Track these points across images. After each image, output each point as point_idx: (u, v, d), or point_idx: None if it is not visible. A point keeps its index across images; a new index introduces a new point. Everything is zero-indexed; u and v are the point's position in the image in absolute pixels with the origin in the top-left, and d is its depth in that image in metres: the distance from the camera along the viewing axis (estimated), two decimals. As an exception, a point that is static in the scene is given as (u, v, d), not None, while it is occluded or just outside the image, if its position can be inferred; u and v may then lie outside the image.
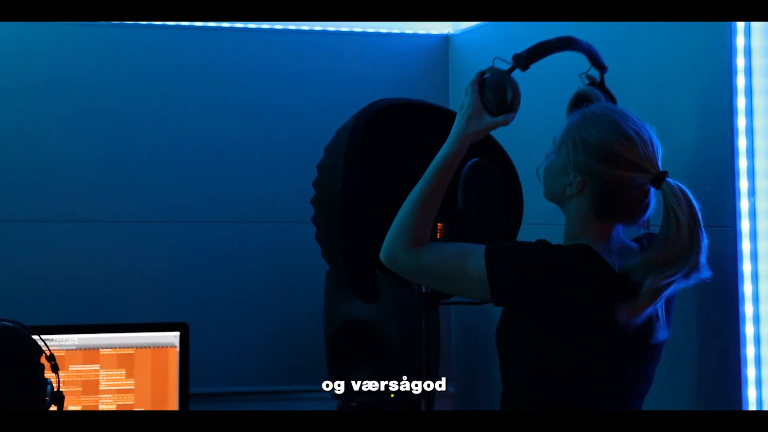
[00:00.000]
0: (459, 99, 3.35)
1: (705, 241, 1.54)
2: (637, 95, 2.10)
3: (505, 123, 1.67)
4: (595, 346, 1.58)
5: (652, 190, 1.58)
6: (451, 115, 2.18)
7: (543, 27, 2.63)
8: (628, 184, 1.57)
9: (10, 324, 1.72)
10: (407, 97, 2.22)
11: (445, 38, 3.34)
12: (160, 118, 3.14)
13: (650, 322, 1.60)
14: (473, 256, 1.59)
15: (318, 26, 3.26)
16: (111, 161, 3.09)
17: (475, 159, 1.86)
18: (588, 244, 1.59)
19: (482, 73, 1.69)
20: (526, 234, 2.13)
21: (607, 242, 1.61)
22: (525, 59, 1.66)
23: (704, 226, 1.55)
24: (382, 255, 1.68)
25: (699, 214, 1.54)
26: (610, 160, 1.57)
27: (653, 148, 1.59)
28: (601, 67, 1.77)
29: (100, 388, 2.70)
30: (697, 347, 1.93)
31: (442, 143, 2.09)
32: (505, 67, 1.66)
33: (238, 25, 3.19)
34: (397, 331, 2.82)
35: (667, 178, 1.55)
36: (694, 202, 1.54)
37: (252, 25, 3.20)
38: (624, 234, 1.67)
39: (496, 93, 1.64)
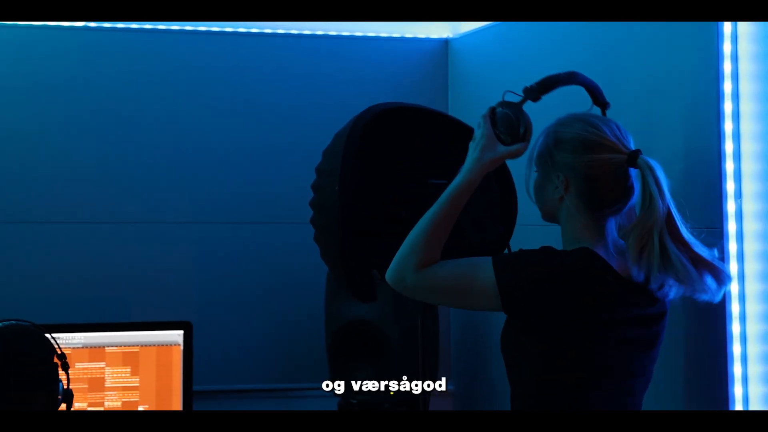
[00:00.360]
0: (458, 102, 3.41)
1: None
2: (627, 100, 2.15)
3: (519, 153, 1.72)
4: (599, 350, 1.63)
5: (633, 172, 1.64)
6: (447, 119, 2.24)
7: (540, 31, 2.68)
8: (607, 166, 1.64)
9: (27, 324, 1.78)
10: (405, 102, 2.26)
11: (445, 42, 3.38)
12: (163, 120, 3.19)
13: (653, 320, 1.66)
14: (482, 268, 1.64)
15: (319, 30, 3.31)
16: (112, 163, 3.14)
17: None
18: (589, 246, 1.64)
19: (494, 108, 1.74)
20: (521, 235, 2.18)
21: (604, 240, 1.67)
22: (536, 92, 1.72)
23: (692, 226, 1.62)
24: (389, 276, 1.72)
25: (667, 189, 1.61)
26: (584, 148, 1.65)
27: (622, 132, 1.67)
28: (603, 104, 1.81)
29: (106, 386, 2.75)
30: (684, 345, 1.98)
31: (439, 147, 2.14)
32: (516, 99, 1.72)
33: (241, 29, 3.24)
34: (397, 331, 2.86)
35: (642, 155, 1.62)
36: (664, 178, 1.62)
37: (254, 29, 3.25)
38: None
39: (509, 125, 1.70)
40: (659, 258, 1.58)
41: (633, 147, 1.68)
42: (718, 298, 1.65)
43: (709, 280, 1.62)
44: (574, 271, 1.61)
